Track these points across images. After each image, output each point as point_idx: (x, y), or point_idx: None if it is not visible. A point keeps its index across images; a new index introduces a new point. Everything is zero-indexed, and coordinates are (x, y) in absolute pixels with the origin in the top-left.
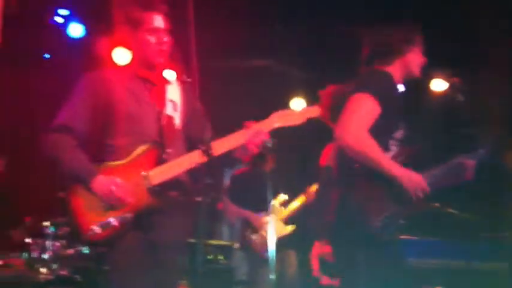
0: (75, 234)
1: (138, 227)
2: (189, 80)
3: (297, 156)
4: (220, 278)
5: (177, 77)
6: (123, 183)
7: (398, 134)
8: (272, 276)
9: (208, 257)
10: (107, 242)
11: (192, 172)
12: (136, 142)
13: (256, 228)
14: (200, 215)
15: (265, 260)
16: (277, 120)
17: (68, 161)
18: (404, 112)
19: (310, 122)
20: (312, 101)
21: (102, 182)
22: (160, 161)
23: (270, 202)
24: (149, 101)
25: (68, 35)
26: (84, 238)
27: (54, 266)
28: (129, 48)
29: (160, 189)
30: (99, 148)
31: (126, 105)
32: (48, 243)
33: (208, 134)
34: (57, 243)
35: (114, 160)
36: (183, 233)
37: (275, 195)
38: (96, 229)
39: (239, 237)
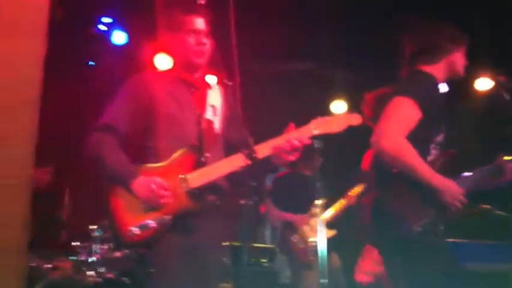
0: (115, 235)
1: (176, 230)
2: (230, 83)
3: (339, 159)
4: (263, 281)
5: (218, 81)
6: (163, 184)
7: (440, 137)
8: (324, 280)
9: (251, 259)
10: (145, 244)
11: (234, 175)
12: (176, 145)
13: (298, 231)
14: (243, 218)
15: (307, 264)
16: (316, 127)
17: (110, 161)
18: (447, 113)
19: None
20: (355, 104)
21: (142, 183)
22: (198, 165)
23: (311, 205)
24: (190, 105)
25: (111, 43)
26: (123, 239)
27: (102, 269)
28: (170, 52)
29: (199, 193)
30: (139, 150)
31: (168, 108)
32: (95, 246)
33: (249, 138)
34: (104, 246)
35: (153, 162)
36: (220, 236)
37: (316, 198)
38: (135, 230)
39: (280, 240)
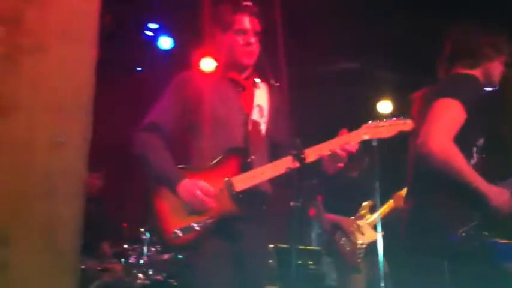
0: (158, 237)
1: (220, 233)
2: (277, 84)
3: (387, 160)
4: (310, 283)
5: (265, 81)
6: (208, 187)
7: (481, 141)
8: (382, 284)
9: (298, 262)
10: (188, 247)
11: (283, 177)
12: (221, 146)
13: (345, 234)
14: (292, 220)
15: (355, 266)
16: (367, 132)
17: (156, 162)
18: (488, 115)
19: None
20: (402, 104)
21: (187, 186)
22: (244, 168)
23: (359, 207)
24: (237, 105)
25: (158, 48)
26: (167, 241)
27: (150, 271)
28: (218, 52)
29: (244, 197)
30: (184, 149)
31: (214, 107)
32: (144, 248)
33: (297, 139)
34: (153, 249)
35: (198, 163)
36: (264, 240)
37: (364, 201)
38: (179, 233)
39: (328, 242)
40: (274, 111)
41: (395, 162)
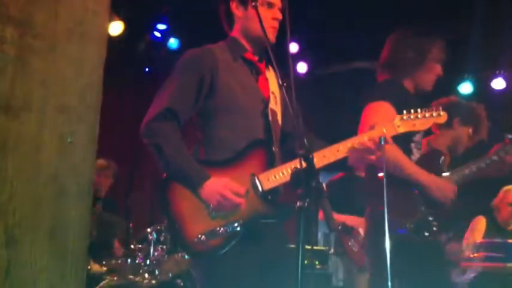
0: (179, 243)
1: (248, 237)
2: (284, 84)
3: None
4: (316, 283)
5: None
6: (237, 188)
7: (418, 137)
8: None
9: (305, 262)
10: (214, 253)
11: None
12: (243, 137)
13: (354, 235)
14: (300, 220)
15: (362, 267)
16: (401, 125)
17: (177, 159)
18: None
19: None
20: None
21: (213, 187)
22: (269, 163)
23: (367, 208)
24: (256, 91)
25: (166, 49)
26: (189, 247)
27: (157, 271)
28: (239, 26)
29: (273, 195)
30: (201, 138)
31: (232, 92)
32: (151, 249)
33: (304, 140)
34: (159, 249)
35: (215, 156)
36: (289, 242)
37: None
38: (203, 238)
39: (336, 243)
40: (285, 98)
41: None
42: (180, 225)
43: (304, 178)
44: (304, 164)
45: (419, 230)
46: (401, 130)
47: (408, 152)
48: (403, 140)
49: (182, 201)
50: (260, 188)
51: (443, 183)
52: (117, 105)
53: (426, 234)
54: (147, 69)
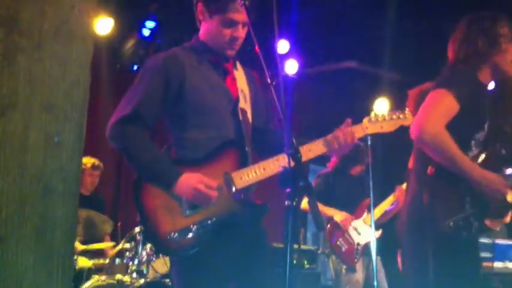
0: (152, 241)
1: (221, 235)
2: (273, 83)
3: (387, 158)
4: (305, 283)
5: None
6: (211, 182)
7: (480, 135)
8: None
9: (294, 261)
10: (186, 251)
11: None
12: (214, 137)
13: (342, 234)
14: (287, 219)
15: (351, 266)
16: (369, 126)
17: (148, 163)
18: (492, 111)
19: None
20: (399, 102)
21: (187, 181)
22: (241, 162)
23: (356, 206)
24: (224, 91)
25: (154, 47)
26: (162, 245)
27: (145, 271)
28: (204, 35)
29: (245, 194)
30: (171, 140)
31: (200, 92)
32: (139, 248)
33: (292, 138)
34: (148, 248)
35: (188, 156)
36: (267, 241)
37: (361, 199)
38: (175, 236)
39: (324, 242)
40: (254, 96)
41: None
42: (153, 223)
43: (292, 177)
44: (292, 163)
45: (458, 230)
46: (369, 131)
47: (467, 148)
48: (465, 136)
49: (155, 199)
50: (233, 187)
51: (495, 178)
52: (104, 104)
53: (465, 234)
54: (135, 67)
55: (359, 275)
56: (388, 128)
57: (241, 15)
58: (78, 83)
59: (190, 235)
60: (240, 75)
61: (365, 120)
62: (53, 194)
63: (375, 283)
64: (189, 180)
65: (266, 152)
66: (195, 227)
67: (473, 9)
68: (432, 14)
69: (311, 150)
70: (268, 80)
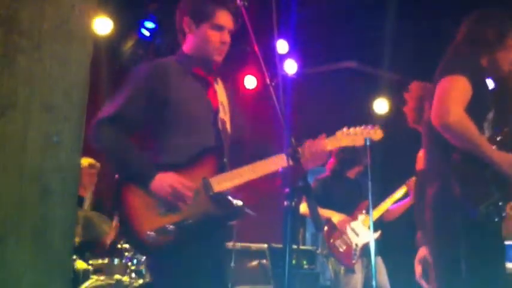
0: (129, 238)
1: (197, 236)
2: (272, 83)
3: (385, 160)
4: (304, 283)
5: (220, 78)
6: (187, 183)
7: (490, 115)
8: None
9: (292, 261)
10: (163, 250)
11: (282, 176)
12: (194, 145)
13: (340, 235)
14: (286, 220)
15: (349, 267)
16: (341, 139)
17: (126, 157)
18: (495, 90)
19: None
20: (398, 102)
21: (163, 180)
22: (219, 168)
23: (354, 208)
24: (206, 102)
25: (154, 47)
26: (139, 243)
27: (144, 271)
28: (187, 42)
29: (222, 197)
30: (153, 145)
31: (183, 102)
32: None
33: (292, 138)
34: None
35: (168, 160)
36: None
37: (359, 201)
38: (152, 234)
39: (322, 242)
40: (232, 108)
41: (393, 163)
42: (131, 221)
43: (291, 177)
44: (291, 163)
45: (490, 215)
46: (343, 143)
47: (481, 131)
48: (476, 118)
49: (134, 199)
50: (210, 190)
51: None
52: (103, 104)
53: (496, 219)
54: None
55: (358, 276)
56: (359, 141)
57: (227, 22)
58: (78, 83)
59: (167, 234)
60: (220, 88)
61: (338, 133)
62: (51, 194)
63: (374, 283)
64: (166, 178)
65: (242, 161)
66: (172, 227)
67: (473, 9)
68: (432, 14)
69: (279, 162)
70: (268, 80)
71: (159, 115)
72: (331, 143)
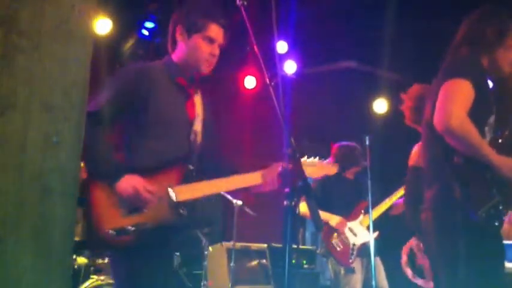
0: (89, 234)
1: (153, 240)
2: (272, 83)
3: (384, 161)
4: (304, 283)
5: (200, 91)
6: (150, 187)
7: (491, 119)
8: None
9: (292, 261)
10: (122, 248)
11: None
12: (165, 153)
13: (338, 235)
14: (286, 219)
15: (348, 266)
16: (306, 168)
17: (96, 153)
18: (496, 94)
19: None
20: (398, 102)
21: (128, 181)
22: (186, 178)
23: (353, 208)
24: (183, 113)
25: (153, 46)
26: (99, 240)
27: None
28: (179, 52)
29: (183, 207)
30: (126, 147)
31: (162, 110)
32: None
33: (291, 139)
34: None
35: (137, 164)
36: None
37: (357, 201)
38: (112, 233)
39: (321, 242)
40: (207, 122)
41: (392, 164)
42: (94, 218)
43: (291, 177)
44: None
45: (490, 219)
46: (307, 172)
47: (482, 134)
48: (477, 122)
49: (99, 196)
50: (174, 199)
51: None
52: None
53: (496, 224)
54: None
55: (358, 276)
56: (313, 174)
57: (218, 35)
58: (78, 83)
59: (127, 235)
60: (198, 100)
61: (306, 161)
62: (51, 194)
63: (373, 283)
64: (131, 180)
65: (209, 173)
66: (133, 228)
67: (473, 9)
68: (432, 14)
69: (248, 180)
70: (267, 80)
71: (136, 118)
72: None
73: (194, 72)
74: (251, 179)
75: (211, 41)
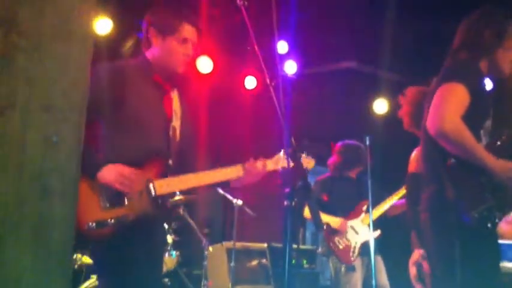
0: None
1: (134, 233)
2: (272, 83)
3: (385, 160)
4: (304, 282)
5: (176, 88)
6: (134, 172)
7: (488, 123)
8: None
9: (292, 261)
10: (102, 240)
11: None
12: (144, 148)
13: (339, 233)
14: (286, 219)
15: (349, 265)
16: (277, 163)
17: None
18: (493, 98)
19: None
20: (396, 102)
21: (111, 168)
22: (164, 172)
23: (354, 207)
24: (160, 109)
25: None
26: (79, 233)
27: None
28: (154, 52)
29: (162, 200)
30: (104, 143)
31: (138, 107)
32: None
33: (291, 139)
34: None
35: (117, 160)
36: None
37: (359, 200)
38: (93, 226)
39: (322, 241)
40: (184, 118)
41: (393, 163)
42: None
43: (291, 177)
44: (291, 163)
45: (483, 221)
46: (281, 165)
47: (478, 138)
48: (473, 126)
49: (80, 192)
50: (153, 192)
51: (507, 166)
52: None
53: (489, 225)
54: None
55: (358, 274)
56: (271, 167)
57: (192, 35)
58: (77, 83)
59: (107, 227)
60: (175, 96)
61: (277, 156)
62: (51, 194)
63: (374, 282)
64: (115, 167)
65: (186, 167)
66: (113, 221)
67: (473, 9)
68: (432, 14)
69: (227, 173)
70: (268, 81)
71: (113, 115)
72: (270, 165)
73: (170, 71)
74: (232, 172)
75: (185, 41)
